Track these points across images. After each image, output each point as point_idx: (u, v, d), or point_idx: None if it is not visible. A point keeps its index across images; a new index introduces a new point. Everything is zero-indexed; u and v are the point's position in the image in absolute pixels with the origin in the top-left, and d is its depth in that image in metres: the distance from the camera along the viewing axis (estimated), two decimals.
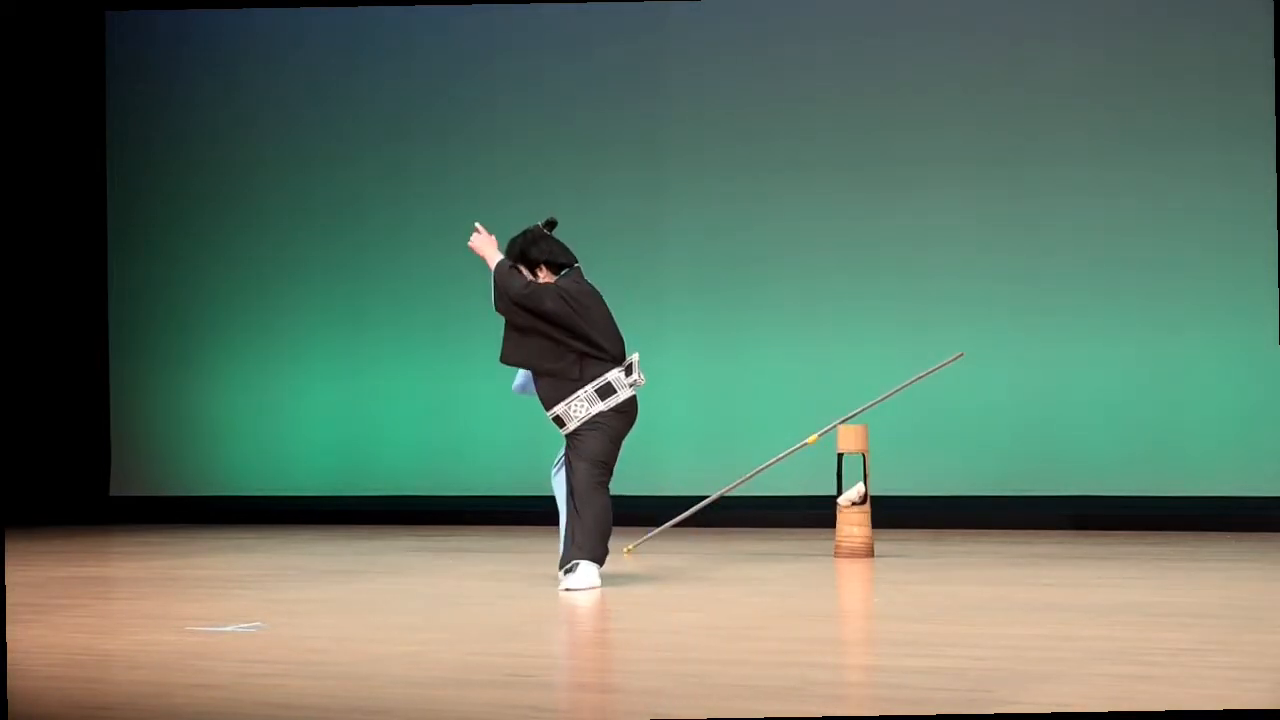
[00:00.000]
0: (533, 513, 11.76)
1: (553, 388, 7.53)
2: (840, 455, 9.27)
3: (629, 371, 7.56)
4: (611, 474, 7.60)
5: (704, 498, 9.97)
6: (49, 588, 7.97)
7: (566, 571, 7.47)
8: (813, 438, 9.53)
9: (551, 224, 7.72)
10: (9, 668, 4.27)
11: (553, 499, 7.79)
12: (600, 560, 7.49)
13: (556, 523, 7.76)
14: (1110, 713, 4.22)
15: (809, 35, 11.99)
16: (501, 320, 7.67)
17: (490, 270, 7.59)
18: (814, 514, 10.77)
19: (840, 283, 11.85)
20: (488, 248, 7.65)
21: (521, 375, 7.77)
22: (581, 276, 7.68)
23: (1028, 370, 11.41)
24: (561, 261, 7.65)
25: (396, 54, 13.04)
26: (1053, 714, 4.21)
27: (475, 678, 5.00)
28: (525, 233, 7.69)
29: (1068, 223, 11.41)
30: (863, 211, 11.83)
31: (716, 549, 9.81)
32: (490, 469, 12.47)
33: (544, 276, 7.62)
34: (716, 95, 12.19)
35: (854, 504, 9.13)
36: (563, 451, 7.67)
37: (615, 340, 7.60)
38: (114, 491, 13.66)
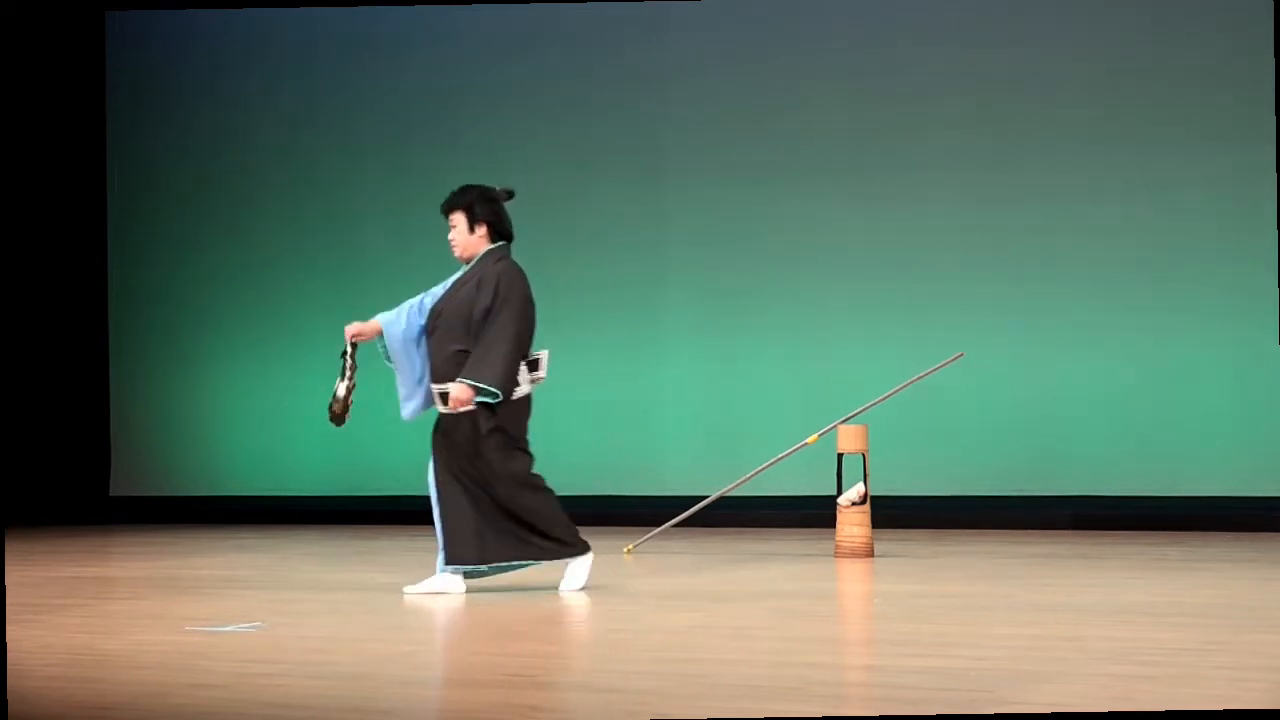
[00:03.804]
0: None
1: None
2: (840, 455, 9.27)
3: (534, 367, 7.32)
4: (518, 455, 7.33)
5: (704, 498, 9.97)
6: (49, 588, 7.97)
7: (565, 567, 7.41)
8: (813, 438, 9.53)
9: (510, 194, 7.41)
10: (9, 668, 4.27)
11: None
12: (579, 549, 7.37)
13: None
14: (1110, 713, 4.22)
15: (810, 40, 11.98)
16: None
17: (493, 386, 7.12)
18: (814, 514, 10.77)
19: (840, 284, 11.85)
20: (464, 393, 7.14)
21: (418, 400, 7.43)
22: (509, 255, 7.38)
23: (1028, 370, 11.41)
24: (502, 231, 7.34)
25: (396, 56, 13.03)
26: (1053, 714, 4.20)
27: (475, 678, 5.00)
28: (486, 188, 7.35)
29: (1067, 224, 11.41)
30: (863, 213, 11.83)
31: (716, 549, 9.81)
32: None
33: (479, 234, 7.29)
34: (718, 98, 12.19)
35: (854, 504, 9.13)
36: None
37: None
38: (114, 491, 13.66)
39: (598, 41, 12.51)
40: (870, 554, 9.10)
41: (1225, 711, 4.23)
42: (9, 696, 4.20)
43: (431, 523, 7.41)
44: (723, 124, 12.17)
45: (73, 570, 9.04)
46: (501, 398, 7.16)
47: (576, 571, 7.41)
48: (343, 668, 5.24)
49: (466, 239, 7.34)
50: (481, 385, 7.13)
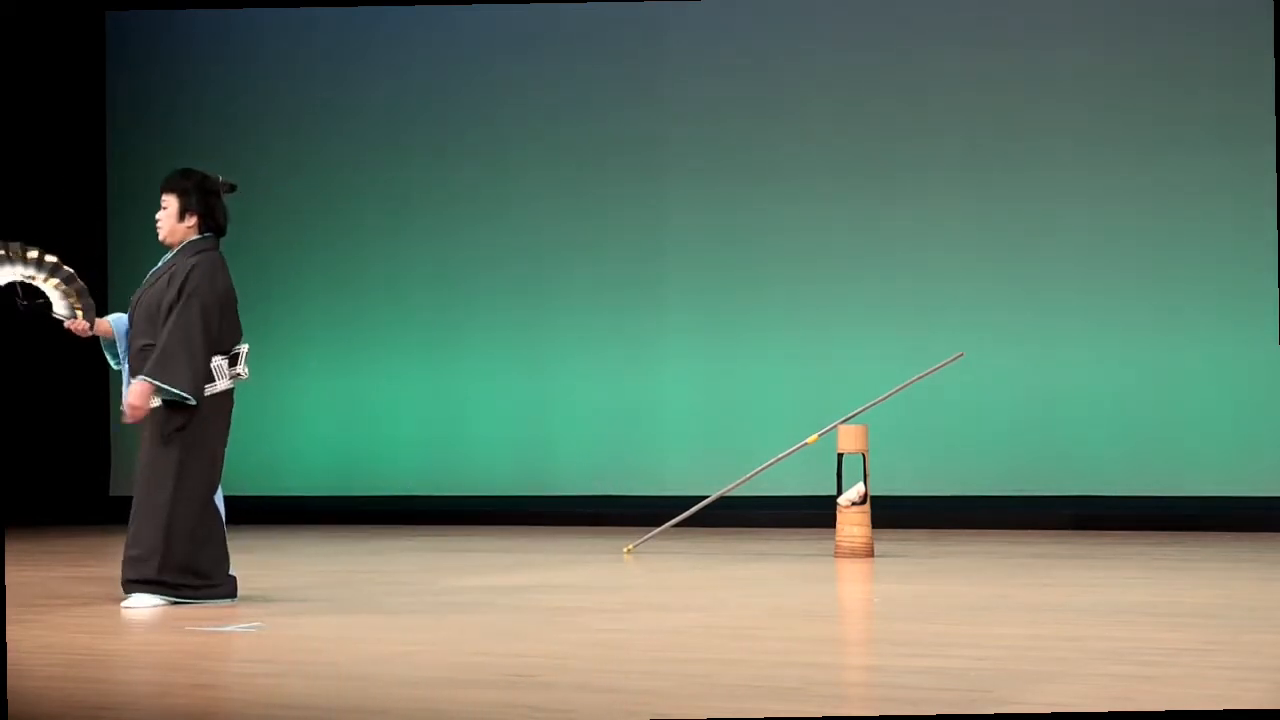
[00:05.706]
0: (533, 513, 11.77)
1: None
2: (840, 455, 9.27)
3: (235, 362, 6.92)
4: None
5: (704, 498, 9.97)
6: (49, 588, 7.97)
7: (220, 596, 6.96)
8: (813, 438, 9.53)
9: (232, 188, 7.06)
10: (9, 668, 4.27)
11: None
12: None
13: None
14: (1110, 713, 4.22)
15: (810, 40, 11.99)
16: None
17: (169, 385, 6.72)
18: (814, 514, 10.77)
19: (840, 284, 11.85)
20: (142, 398, 6.74)
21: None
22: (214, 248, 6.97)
23: (1028, 370, 11.42)
24: (213, 226, 6.97)
25: (395, 55, 13.04)
26: (1053, 714, 4.20)
27: (475, 678, 4.99)
28: (208, 178, 7.00)
29: (1068, 225, 11.41)
30: (863, 214, 11.83)
31: (716, 549, 9.81)
32: (490, 469, 12.47)
33: (188, 223, 6.91)
34: (717, 98, 12.19)
35: (854, 504, 9.13)
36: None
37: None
38: (114, 491, 13.65)
39: (598, 41, 12.51)
40: (870, 554, 9.10)
41: (1225, 711, 4.22)
42: (9, 696, 4.20)
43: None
44: (722, 124, 12.17)
45: (73, 570, 9.03)
46: (194, 402, 6.80)
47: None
48: (343, 668, 5.24)
49: (173, 225, 6.97)
50: (165, 386, 6.75)
